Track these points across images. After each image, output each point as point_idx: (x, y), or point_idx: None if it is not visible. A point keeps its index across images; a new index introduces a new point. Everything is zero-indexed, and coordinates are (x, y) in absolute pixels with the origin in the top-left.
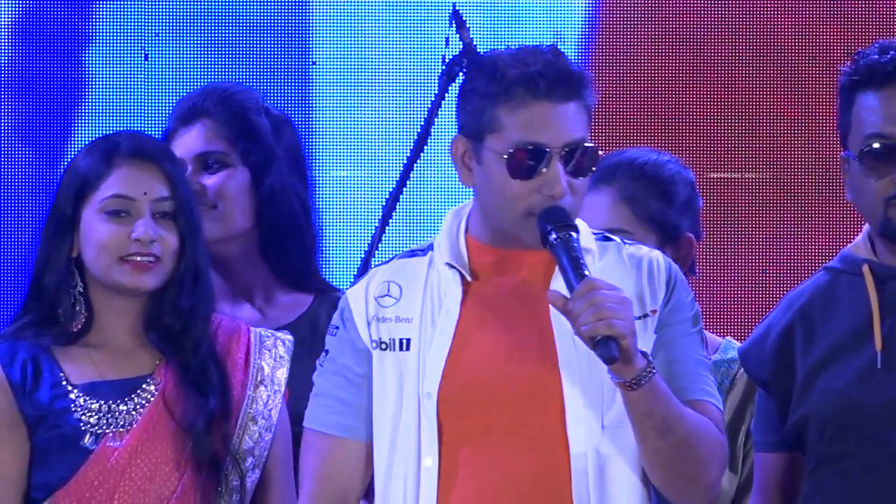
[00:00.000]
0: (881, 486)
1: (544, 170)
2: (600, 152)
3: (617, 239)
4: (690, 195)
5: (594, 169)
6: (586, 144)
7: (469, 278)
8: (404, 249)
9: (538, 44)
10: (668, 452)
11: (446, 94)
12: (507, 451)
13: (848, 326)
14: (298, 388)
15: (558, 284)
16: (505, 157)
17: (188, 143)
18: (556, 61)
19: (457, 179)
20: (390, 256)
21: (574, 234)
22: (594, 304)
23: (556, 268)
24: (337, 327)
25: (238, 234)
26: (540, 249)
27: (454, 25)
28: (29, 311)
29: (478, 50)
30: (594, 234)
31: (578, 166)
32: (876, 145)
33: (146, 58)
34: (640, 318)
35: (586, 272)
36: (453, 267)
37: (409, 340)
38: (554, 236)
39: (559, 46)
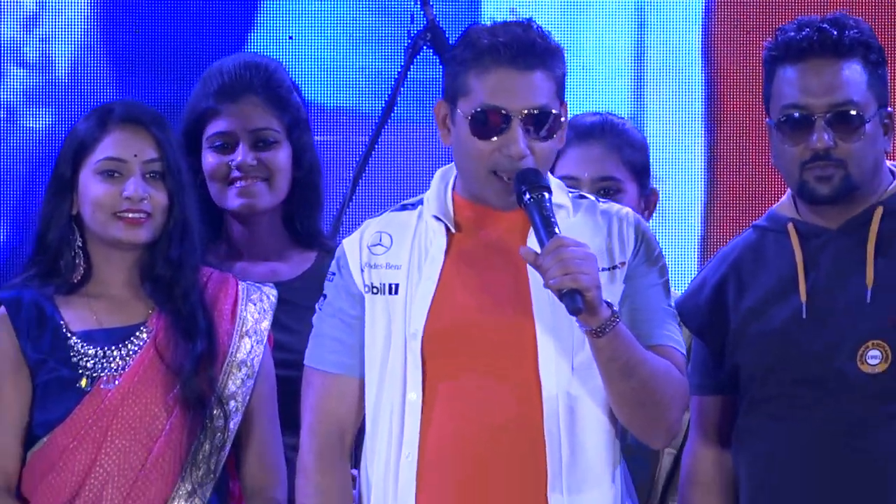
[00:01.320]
0: (808, 423)
1: (504, 131)
2: (562, 119)
3: (591, 197)
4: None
5: (556, 135)
6: (549, 111)
7: (453, 230)
8: (396, 204)
9: (518, 18)
10: (632, 393)
11: (411, 66)
12: (484, 389)
13: (775, 279)
14: (307, 333)
15: (532, 241)
16: (469, 118)
17: (241, 120)
18: (524, 34)
19: (420, 142)
20: (382, 211)
21: (546, 194)
22: (561, 259)
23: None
24: (334, 273)
25: (280, 202)
26: (506, 210)
27: (419, 3)
28: (35, 264)
29: (440, 26)
30: (570, 192)
31: (540, 130)
32: (794, 114)
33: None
34: (609, 269)
35: (556, 230)
36: (440, 219)
37: (397, 285)
38: (528, 196)
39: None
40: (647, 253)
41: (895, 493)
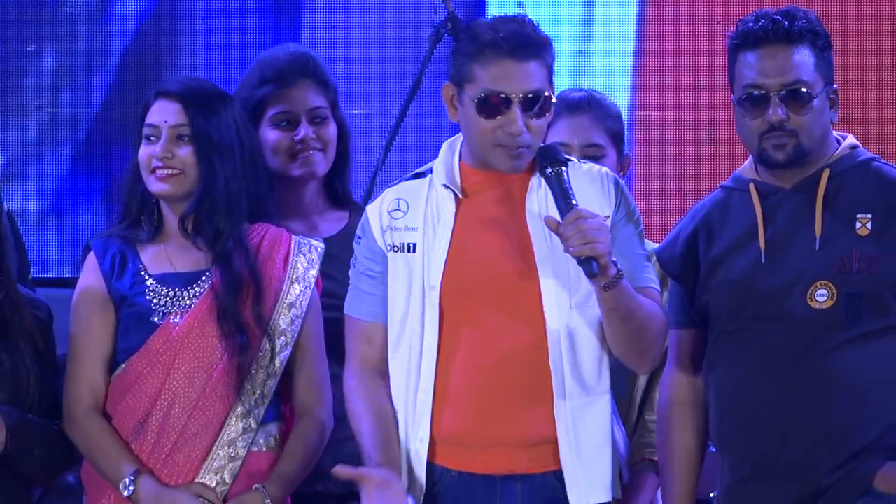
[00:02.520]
0: (766, 351)
1: (505, 112)
2: (553, 100)
3: (574, 159)
4: None
5: (547, 113)
6: (542, 93)
7: (461, 196)
8: (408, 173)
9: (514, 14)
10: (629, 334)
11: (434, 51)
12: (496, 325)
13: (739, 231)
14: (345, 282)
15: (531, 203)
16: (475, 101)
17: (301, 100)
18: (521, 29)
19: (440, 117)
20: (397, 179)
21: (565, 168)
22: (580, 230)
23: (530, 183)
24: (360, 237)
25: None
26: (509, 173)
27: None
28: (124, 217)
29: (458, 18)
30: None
31: (534, 110)
32: (753, 93)
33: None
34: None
35: (574, 202)
36: (448, 187)
37: (415, 244)
38: (549, 170)
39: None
40: (626, 207)
41: (839, 409)
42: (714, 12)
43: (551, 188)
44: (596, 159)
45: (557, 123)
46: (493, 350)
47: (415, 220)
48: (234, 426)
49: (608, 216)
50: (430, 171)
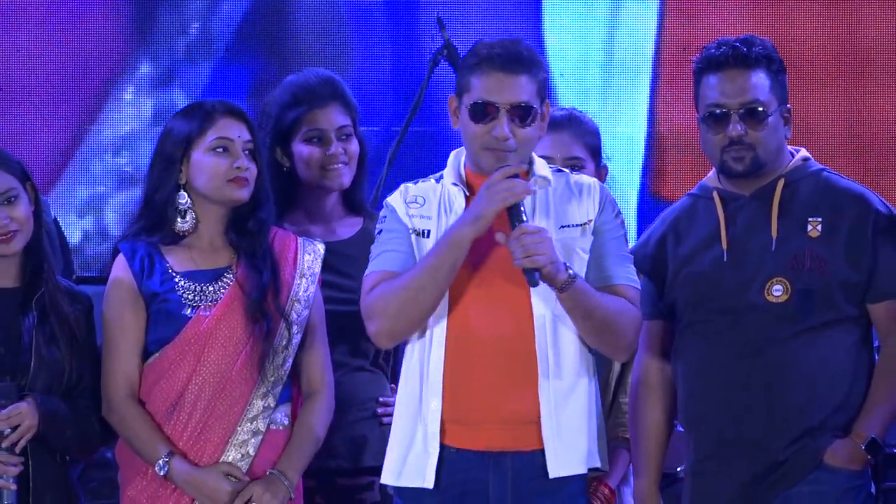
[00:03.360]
0: (726, 341)
1: (493, 119)
2: (541, 113)
3: (567, 171)
4: None
5: (534, 124)
6: (530, 105)
7: (467, 193)
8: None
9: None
10: (592, 328)
11: (432, 74)
12: (491, 311)
13: (704, 233)
14: (359, 278)
15: (525, 204)
16: (469, 107)
17: (330, 119)
18: (513, 46)
19: (437, 134)
20: (411, 181)
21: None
22: (522, 245)
23: (530, 185)
24: (385, 217)
25: None
26: None
27: (439, 27)
28: (141, 219)
29: (454, 45)
30: (551, 168)
31: (520, 120)
32: (715, 111)
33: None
34: (581, 225)
35: (523, 218)
36: (457, 185)
37: (429, 231)
38: None
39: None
40: (609, 212)
41: (792, 392)
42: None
43: (507, 210)
44: (576, 170)
45: (542, 139)
46: (484, 332)
47: (429, 211)
48: (257, 404)
49: (590, 220)
50: (441, 176)
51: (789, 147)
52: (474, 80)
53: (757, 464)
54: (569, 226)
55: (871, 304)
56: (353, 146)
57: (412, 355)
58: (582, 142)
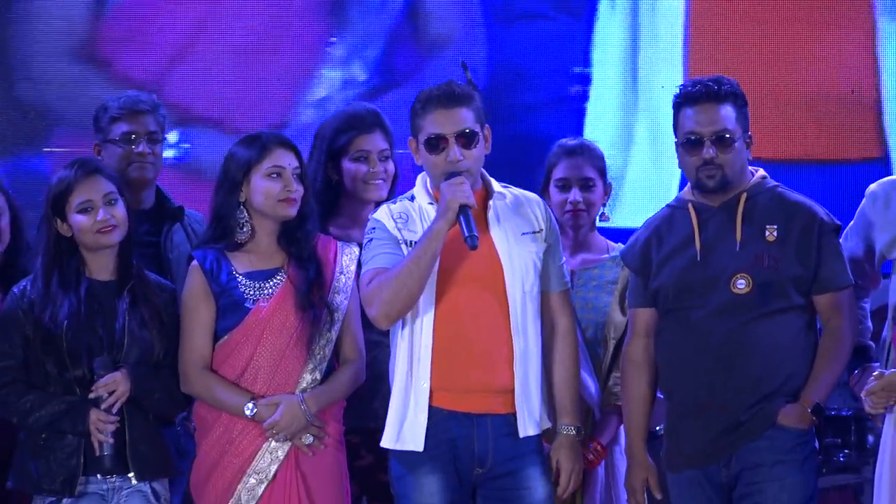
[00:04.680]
0: (698, 326)
1: (445, 148)
2: (482, 135)
3: (512, 188)
4: None
5: (478, 145)
6: (473, 131)
7: None
8: (393, 199)
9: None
10: None
11: None
12: (473, 297)
13: (681, 238)
14: None
15: (491, 216)
16: (424, 143)
17: (374, 143)
18: (448, 87)
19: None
20: (386, 202)
21: (468, 210)
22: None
23: (489, 203)
24: (374, 228)
25: None
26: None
27: (463, 69)
28: (211, 231)
29: (476, 84)
30: (502, 184)
31: (467, 144)
32: (691, 138)
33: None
34: (534, 232)
35: (469, 213)
36: (432, 203)
37: (414, 241)
38: (459, 215)
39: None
40: (553, 228)
41: (752, 365)
42: None
43: (459, 209)
44: (589, 189)
45: (559, 164)
46: (468, 312)
47: (414, 226)
48: (306, 378)
49: (541, 229)
50: (412, 197)
51: (750, 167)
52: (423, 122)
53: (723, 423)
54: (527, 233)
55: (816, 296)
56: (391, 166)
57: (403, 337)
58: (593, 165)
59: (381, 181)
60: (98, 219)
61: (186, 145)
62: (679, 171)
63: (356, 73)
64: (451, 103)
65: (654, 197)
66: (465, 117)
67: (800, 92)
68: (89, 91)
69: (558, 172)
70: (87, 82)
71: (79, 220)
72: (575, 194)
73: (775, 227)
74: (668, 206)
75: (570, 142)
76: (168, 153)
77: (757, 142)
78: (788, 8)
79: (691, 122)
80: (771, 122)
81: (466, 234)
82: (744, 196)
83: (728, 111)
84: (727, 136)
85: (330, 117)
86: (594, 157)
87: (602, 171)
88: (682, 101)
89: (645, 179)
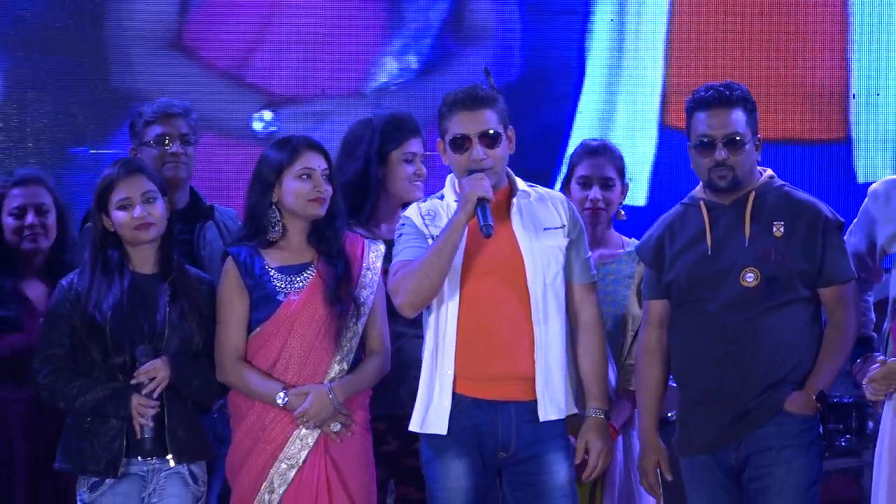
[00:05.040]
0: (709, 317)
1: (469, 147)
2: (505, 136)
3: (538, 186)
4: None
5: (501, 145)
6: (496, 132)
7: None
8: (424, 198)
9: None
10: None
11: None
12: (496, 289)
13: (693, 233)
14: None
15: (514, 213)
16: (449, 143)
17: (418, 147)
18: (472, 90)
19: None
20: (416, 201)
21: (486, 203)
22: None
23: (512, 200)
24: (403, 224)
25: None
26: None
27: (486, 74)
28: (245, 229)
29: (499, 89)
30: (529, 184)
31: (490, 143)
32: (704, 140)
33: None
34: (559, 228)
35: (487, 207)
36: (458, 202)
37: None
38: (477, 208)
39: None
40: (577, 223)
41: (760, 355)
42: None
43: (477, 202)
44: (608, 187)
45: (582, 163)
46: (491, 311)
47: (440, 222)
48: (334, 368)
49: (564, 225)
50: (441, 196)
51: (759, 168)
52: (449, 123)
53: (732, 410)
54: (550, 228)
55: (821, 289)
56: (425, 169)
57: (429, 327)
58: (613, 165)
59: (420, 182)
60: (135, 215)
61: (273, 128)
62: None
63: (410, 62)
64: (474, 105)
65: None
66: (488, 118)
67: (775, 79)
68: (177, 79)
69: (581, 170)
70: (176, 71)
71: (118, 215)
72: (595, 192)
73: (782, 223)
74: (681, 203)
75: (593, 142)
76: (257, 125)
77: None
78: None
79: (704, 125)
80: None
81: (482, 223)
82: (752, 195)
83: (739, 115)
84: (738, 138)
85: (374, 120)
86: (615, 158)
87: (621, 171)
88: (695, 105)
89: None
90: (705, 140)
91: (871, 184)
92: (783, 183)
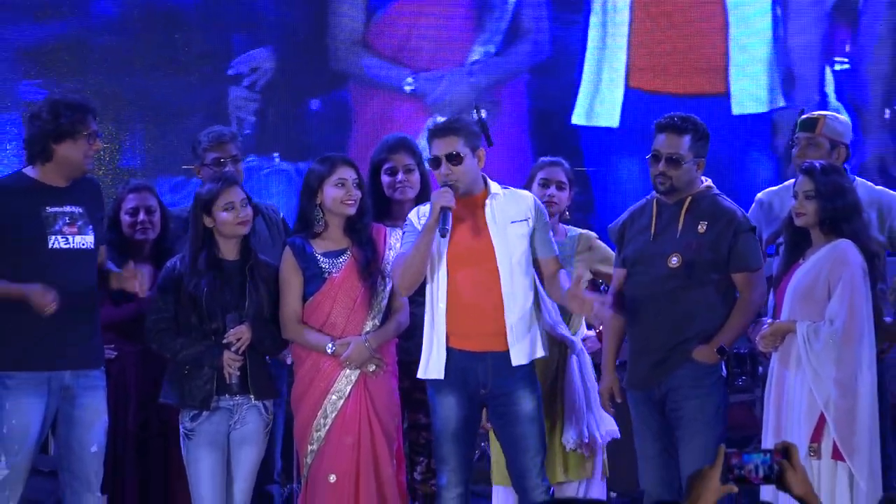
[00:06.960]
0: (647, 286)
1: (440, 165)
2: (466, 157)
3: (510, 187)
4: None
5: (464, 164)
6: (458, 154)
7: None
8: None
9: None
10: None
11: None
12: (473, 272)
13: (645, 223)
14: None
15: (488, 212)
16: (428, 162)
17: (400, 160)
18: (446, 122)
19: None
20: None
21: (448, 212)
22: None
23: (486, 201)
24: (407, 223)
25: None
26: (462, 197)
27: (476, 110)
28: (298, 224)
29: (486, 122)
30: (503, 186)
31: (455, 163)
32: (654, 154)
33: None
34: (524, 220)
35: (448, 215)
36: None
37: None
38: (441, 212)
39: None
40: (540, 215)
41: (679, 319)
42: None
43: (441, 210)
44: (561, 188)
45: (543, 168)
46: (471, 287)
47: None
48: (368, 325)
49: (529, 218)
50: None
51: (702, 177)
52: (430, 146)
53: (657, 358)
54: (516, 221)
55: (734, 274)
56: (414, 177)
57: (428, 301)
58: (565, 172)
59: (406, 188)
60: (241, 216)
61: (411, 85)
62: None
63: (490, 48)
64: (444, 133)
65: None
66: (454, 142)
67: (673, 44)
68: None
69: (542, 174)
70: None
71: (223, 216)
72: (552, 191)
73: (706, 223)
74: (645, 198)
75: (549, 158)
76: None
77: (645, 82)
78: None
79: (656, 143)
80: (652, 64)
81: (440, 226)
82: (689, 199)
83: (685, 140)
84: (676, 158)
85: (379, 145)
86: (566, 169)
87: (571, 179)
88: (658, 127)
89: None
90: (655, 154)
91: None
92: (717, 193)
